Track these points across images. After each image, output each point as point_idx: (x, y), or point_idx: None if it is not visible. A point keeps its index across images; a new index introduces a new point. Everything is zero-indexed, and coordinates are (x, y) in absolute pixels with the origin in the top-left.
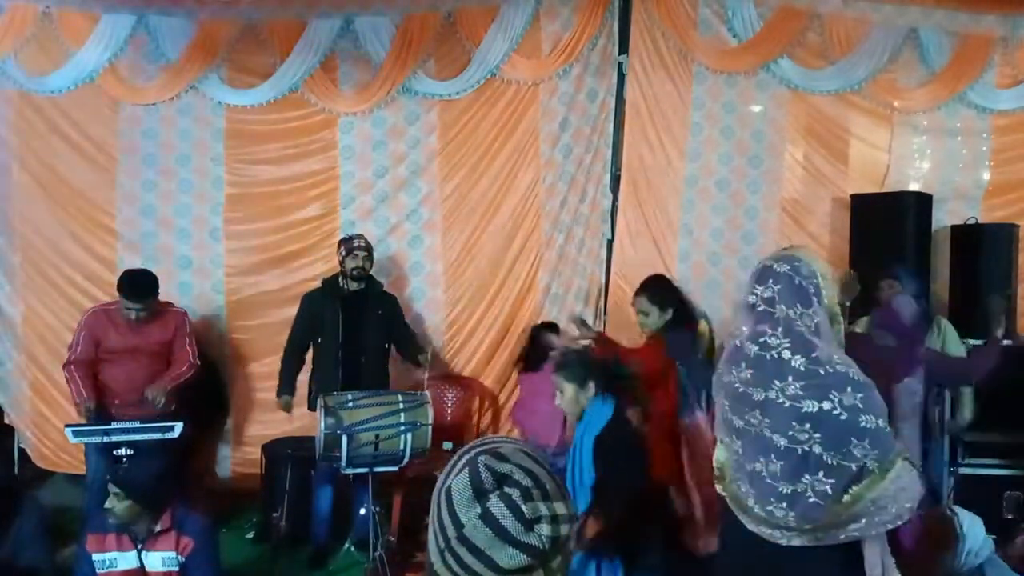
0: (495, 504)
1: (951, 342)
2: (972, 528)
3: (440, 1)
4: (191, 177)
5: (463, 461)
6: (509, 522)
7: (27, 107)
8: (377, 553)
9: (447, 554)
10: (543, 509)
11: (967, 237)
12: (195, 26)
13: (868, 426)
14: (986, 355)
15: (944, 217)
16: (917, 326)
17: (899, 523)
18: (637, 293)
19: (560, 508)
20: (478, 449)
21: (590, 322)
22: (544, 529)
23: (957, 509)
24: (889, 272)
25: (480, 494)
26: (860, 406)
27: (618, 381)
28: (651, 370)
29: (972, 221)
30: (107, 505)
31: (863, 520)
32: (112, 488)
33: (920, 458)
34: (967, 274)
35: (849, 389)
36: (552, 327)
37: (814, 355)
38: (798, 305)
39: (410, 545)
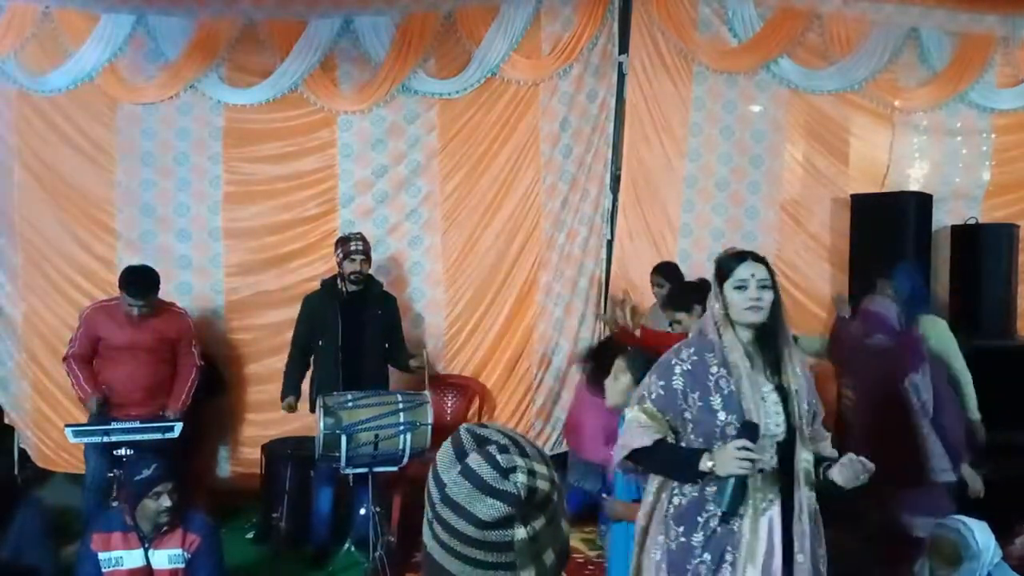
0: (473, 459)
1: (943, 340)
2: (987, 542)
3: (440, 1)
4: (190, 176)
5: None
6: (486, 471)
7: (27, 107)
8: (377, 553)
9: (434, 524)
10: (519, 461)
11: (967, 237)
12: (195, 26)
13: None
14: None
15: (944, 217)
16: (907, 323)
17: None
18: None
19: (539, 468)
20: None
21: (591, 320)
22: (520, 477)
23: (970, 522)
24: (885, 272)
25: (461, 455)
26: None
27: None
28: None
29: (972, 221)
30: (162, 507)
31: None
32: (158, 488)
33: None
34: (967, 274)
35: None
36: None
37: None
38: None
39: (410, 545)
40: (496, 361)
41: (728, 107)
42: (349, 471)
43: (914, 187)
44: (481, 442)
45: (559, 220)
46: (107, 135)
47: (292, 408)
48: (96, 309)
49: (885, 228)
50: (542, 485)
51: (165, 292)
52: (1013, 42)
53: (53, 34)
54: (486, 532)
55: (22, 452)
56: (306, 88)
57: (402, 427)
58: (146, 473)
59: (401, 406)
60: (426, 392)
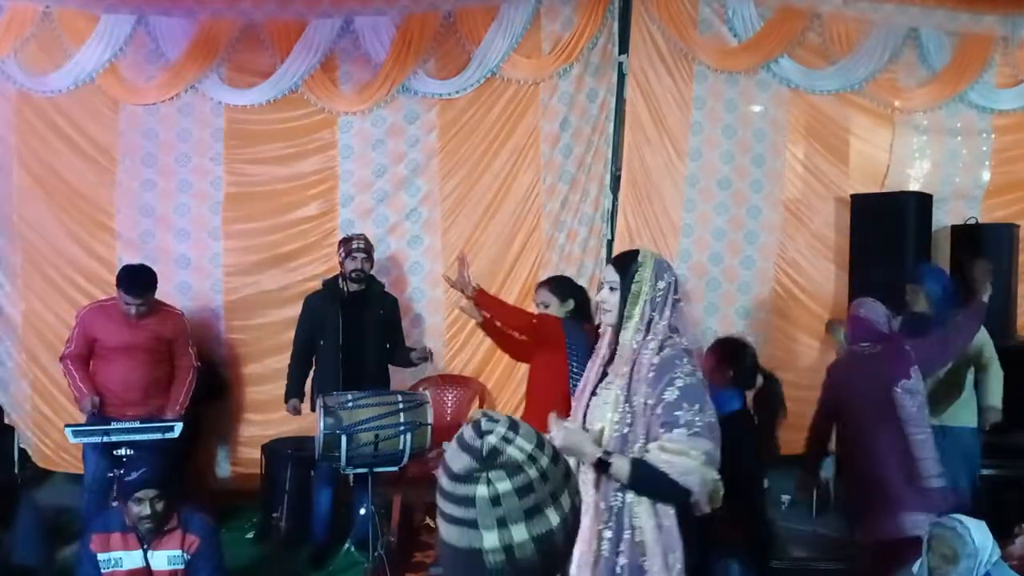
0: (467, 425)
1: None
2: (983, 540)
3: (440, 1)
4: (190, 177)
5: None
6: (467, 430)
7: (27, 107)
8: (377, 553)
9: (436, 494)
10: (500, 429)
11: (967, 237)
12: (195, 26)
13: None
14: (969, 318)
15: (944, 217)
16: (893, 326)
17: None
18: (539, 287)
19: (522, 442)
20: None
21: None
22: (491, 439)
23: (967, 521)
24: (914, 277)
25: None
26: None
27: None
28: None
29: (972, 221)
30: (142, 514)
31: None
32: (140, 495)
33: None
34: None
35: None
36: None
37: None
38: None
39: (410, 545)
40: (496, 361)
41: (729, 106)
42: (349, 471)
43: (914, 187)
44: (484, 415)
45: (559, 220)
46: (108, 136)
47: (297, 410)
48: (92, 309)
49: (885, 228)
50: (512, 452)
51: (165, 292)
52: (1013, 42)
53: (53, 34)
54: (455, 485)
55: (22, 452)
56: (306, 89)
57: (402, 427)
58: (133, 476)
59: (401, 406)
60: (426, 392)
